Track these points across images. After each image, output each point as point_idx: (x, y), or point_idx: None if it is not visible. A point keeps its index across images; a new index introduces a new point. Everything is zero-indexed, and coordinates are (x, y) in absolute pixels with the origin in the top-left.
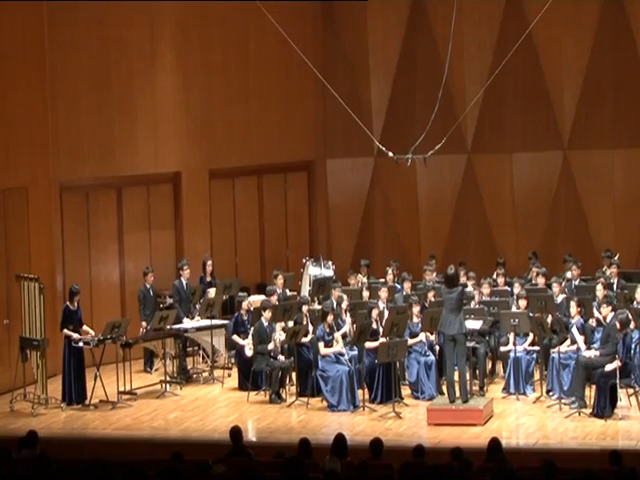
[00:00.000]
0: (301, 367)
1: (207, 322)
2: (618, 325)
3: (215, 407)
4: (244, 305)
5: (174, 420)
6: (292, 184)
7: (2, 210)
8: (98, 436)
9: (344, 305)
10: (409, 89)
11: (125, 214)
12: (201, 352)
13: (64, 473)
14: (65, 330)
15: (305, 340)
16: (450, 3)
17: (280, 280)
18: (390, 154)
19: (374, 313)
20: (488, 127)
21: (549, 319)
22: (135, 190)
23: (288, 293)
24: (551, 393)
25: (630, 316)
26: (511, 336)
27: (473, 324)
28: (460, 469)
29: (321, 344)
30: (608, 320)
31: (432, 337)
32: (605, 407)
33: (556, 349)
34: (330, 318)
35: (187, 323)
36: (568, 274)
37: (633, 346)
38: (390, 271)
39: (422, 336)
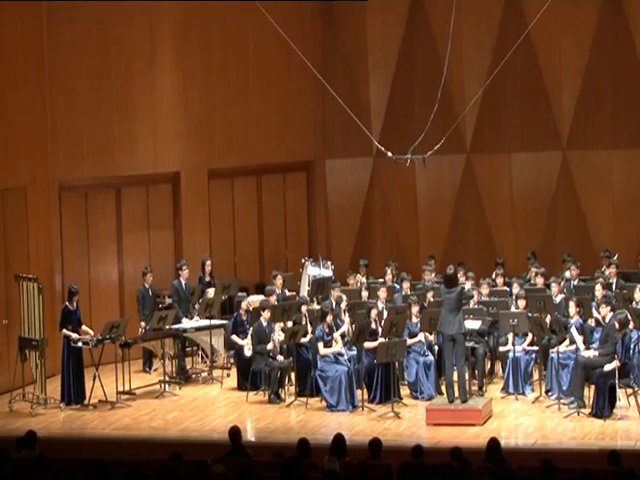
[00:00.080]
0: (300, 367)
1: (206, 322)
2: (617, 325)
3: (214, 407)
4: (243, 305)
5: (173, 420)
6: (291, 184)
7: (1, 210)
8: (97, 436)
9: (343, 305)
10: (408, 89)
11: (124, 214)
12: (200, 352)
13: (63, 473)
14: (64, 330)
15: (304, 340)
16: (449, 3)
17: (279, 280)
18: (389, 154)
19: (373, 313)
20: (487, 127)
21: (548, 319)
22: (134, 190)
23: (287, 293)
24: (550, 393)
25: (629, 316)
26: (510, 336)
27: (472, 324)
28: (459, 469)
29: (320, 344)
30: (607, 320)
31: (431, 337)
32: (604, 407)
33: (555, 349)
34: (329, 318)
35: (186, 323)
36: (567, 274)
37: (632, 346)
38: (389, 271)
39: (421, 336)
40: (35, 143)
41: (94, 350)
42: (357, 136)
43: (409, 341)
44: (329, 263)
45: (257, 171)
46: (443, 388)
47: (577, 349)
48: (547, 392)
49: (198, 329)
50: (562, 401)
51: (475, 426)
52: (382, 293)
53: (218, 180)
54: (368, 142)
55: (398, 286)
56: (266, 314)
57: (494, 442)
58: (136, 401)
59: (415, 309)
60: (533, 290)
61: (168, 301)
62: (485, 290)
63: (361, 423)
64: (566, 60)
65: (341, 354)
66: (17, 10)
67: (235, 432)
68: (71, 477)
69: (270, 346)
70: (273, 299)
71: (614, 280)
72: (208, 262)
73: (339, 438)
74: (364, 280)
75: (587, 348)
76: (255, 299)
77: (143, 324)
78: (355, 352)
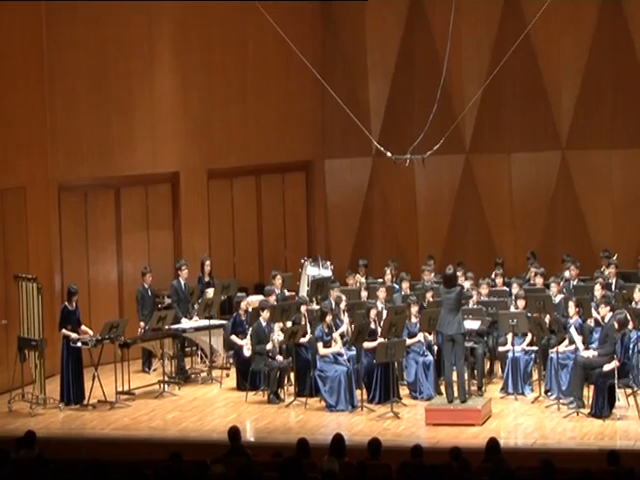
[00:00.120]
0: (299, 367)
1: (205, 322)
2: (616, 325)
3: (213, 407)
4: (242, 305)
5: (172, 420)
6: (290, 184)
7: (0, 210)
8: (96, 436)
9: (342, 305)
10: (407, 89)
11: (123, 214)
12: (199, 352)
13: (62, 473)
14: (63, 330)
15: (303, 340)
16: (448, 3)
17: (278, 280)
18: (388, 154)
19: (372, 313)
20: (486, 127)
21: (547, 319)
22: (133, 190)
23: (286, 293)
24: (549, 393)
25: (628, 316)
26: (509, 336)
27: (471, 324)
28: (458, 469)
29: (319, 344)
30: (606, 320)
31: (430, 337)
32: (603, 407)
33: (554, 349)
34: (329, 318)
35: (185, 323)
36: (566, 274)
37: (631, 346)
38: (388, 271)
39: (420, 336)
40: (34, 143)
41: (93, 350)
42: (356, 136)
43: (408, 341)
44: (328, 263)
45: (256, 171)
46: (442, 388)
47: (576, 349)
48: (546, 392)
49: (197, 329)
50: (561, 401)
51: (474, 426)
52: (381, 293)
53: (217, 180)
54: (367, 142)
55: (397, 286)
56: (265, 314)
57: (493, 442)
58: (135, 401)
59: (414, 309)
60: (532, 290)
61: (167, 301)
62: (484, 290)
63: (360, 423)
64: (565, 60)
65: (340, 354)
66: (16, 10)
67: (234, 432)
68: (70, 477)
69: (269, 346)
70: (272, 299)
71: (613, 280)
72: (207, 262)
73: (338, 438)
74: (363, 280)
75: (586, 348)
76: (254, 299)
77: (142, 324)
78: (354, 352)
